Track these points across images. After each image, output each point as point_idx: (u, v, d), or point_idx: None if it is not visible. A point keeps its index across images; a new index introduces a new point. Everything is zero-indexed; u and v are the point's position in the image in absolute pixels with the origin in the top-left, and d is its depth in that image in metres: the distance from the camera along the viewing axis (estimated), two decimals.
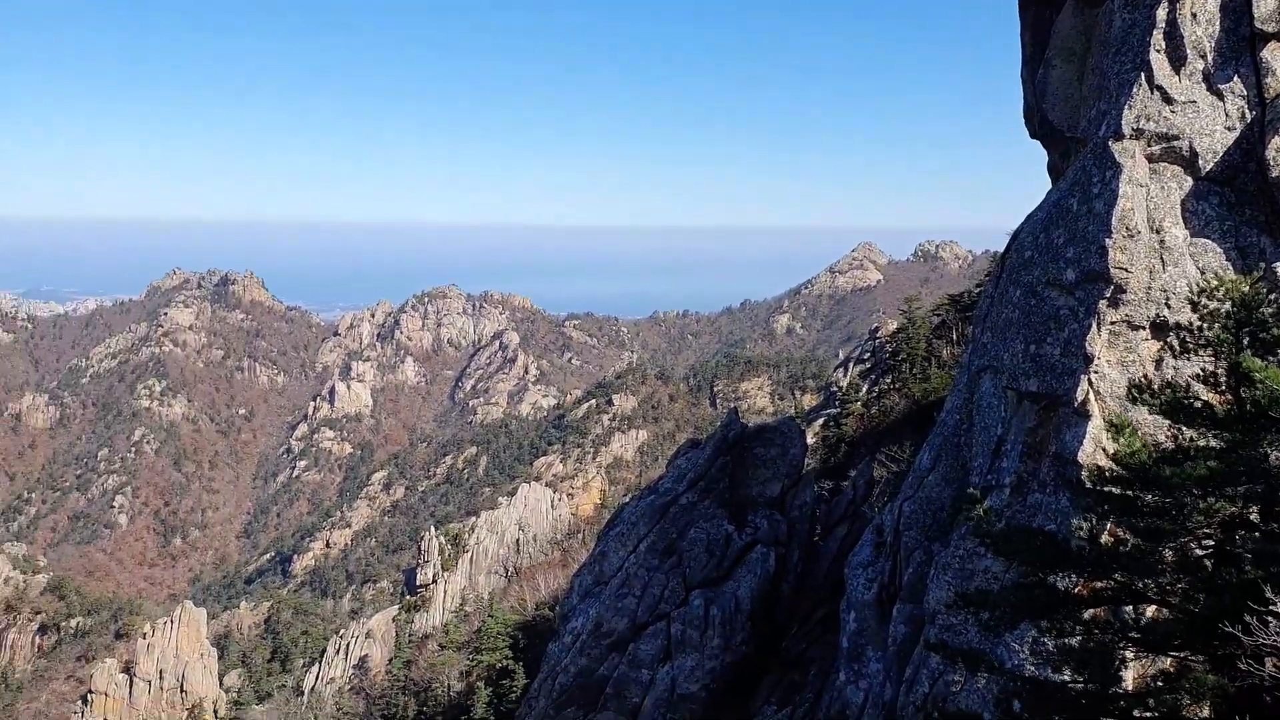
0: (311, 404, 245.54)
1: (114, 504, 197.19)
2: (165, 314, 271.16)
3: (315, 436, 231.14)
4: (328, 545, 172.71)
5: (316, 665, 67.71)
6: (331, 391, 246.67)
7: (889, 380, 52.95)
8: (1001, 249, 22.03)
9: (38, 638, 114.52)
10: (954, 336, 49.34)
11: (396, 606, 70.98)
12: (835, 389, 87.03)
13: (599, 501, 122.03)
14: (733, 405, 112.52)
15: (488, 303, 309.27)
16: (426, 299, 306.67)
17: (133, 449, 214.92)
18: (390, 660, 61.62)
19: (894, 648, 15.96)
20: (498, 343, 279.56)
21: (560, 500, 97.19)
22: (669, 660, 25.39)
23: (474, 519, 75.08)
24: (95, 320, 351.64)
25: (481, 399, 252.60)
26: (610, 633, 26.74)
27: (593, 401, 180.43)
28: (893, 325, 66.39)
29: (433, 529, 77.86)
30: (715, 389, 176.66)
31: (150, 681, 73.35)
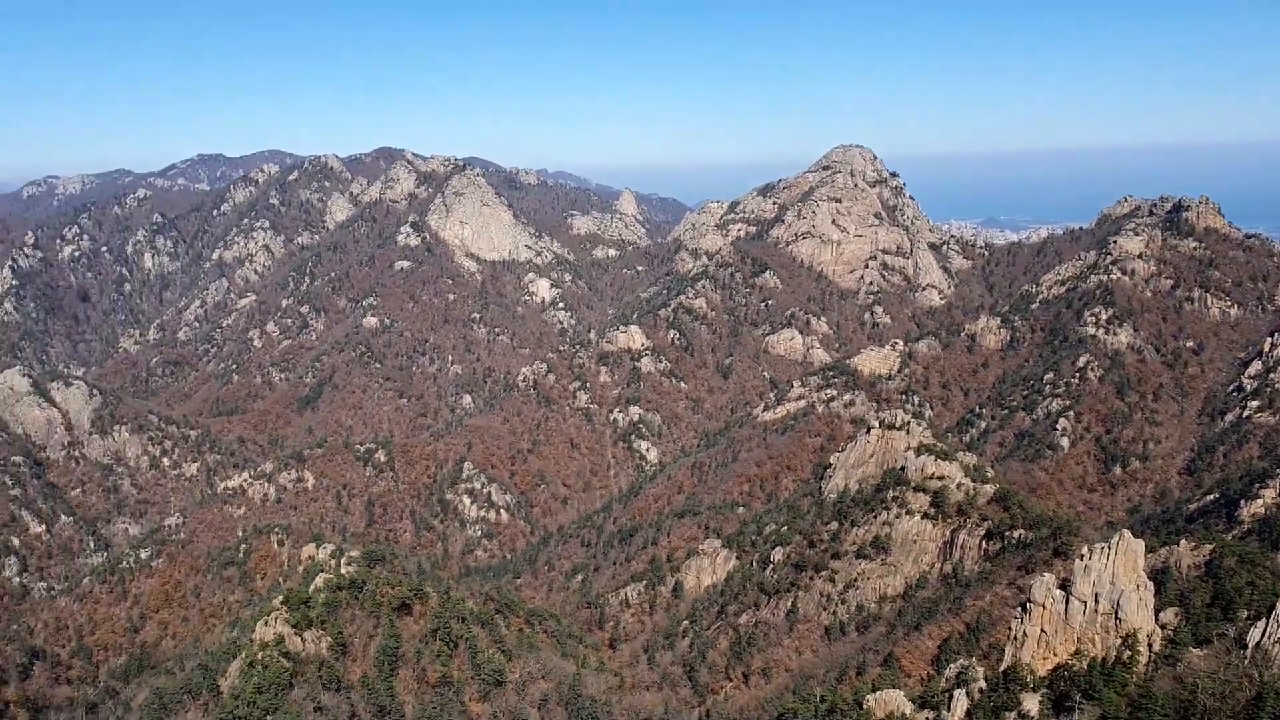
0: (1269, 340, 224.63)
1: (1056, 426, 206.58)
2: (1114, 242, 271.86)
3: (1271, 376, 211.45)
4: None
5: (1264, 621, 63.67)
6: None
7: None
8: None
9: (984, 542, 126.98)
10: None
11: None
12: None
13: None
14: None
15: None
16: None
17: (1077, 374, 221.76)
18: None
19: None
20: None
21: None
22: None
23: None
24: (1046, 248, 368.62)
25: None
26: None
27: None
28: None
29: None
30: None
31: (1085, 602, 76.49)
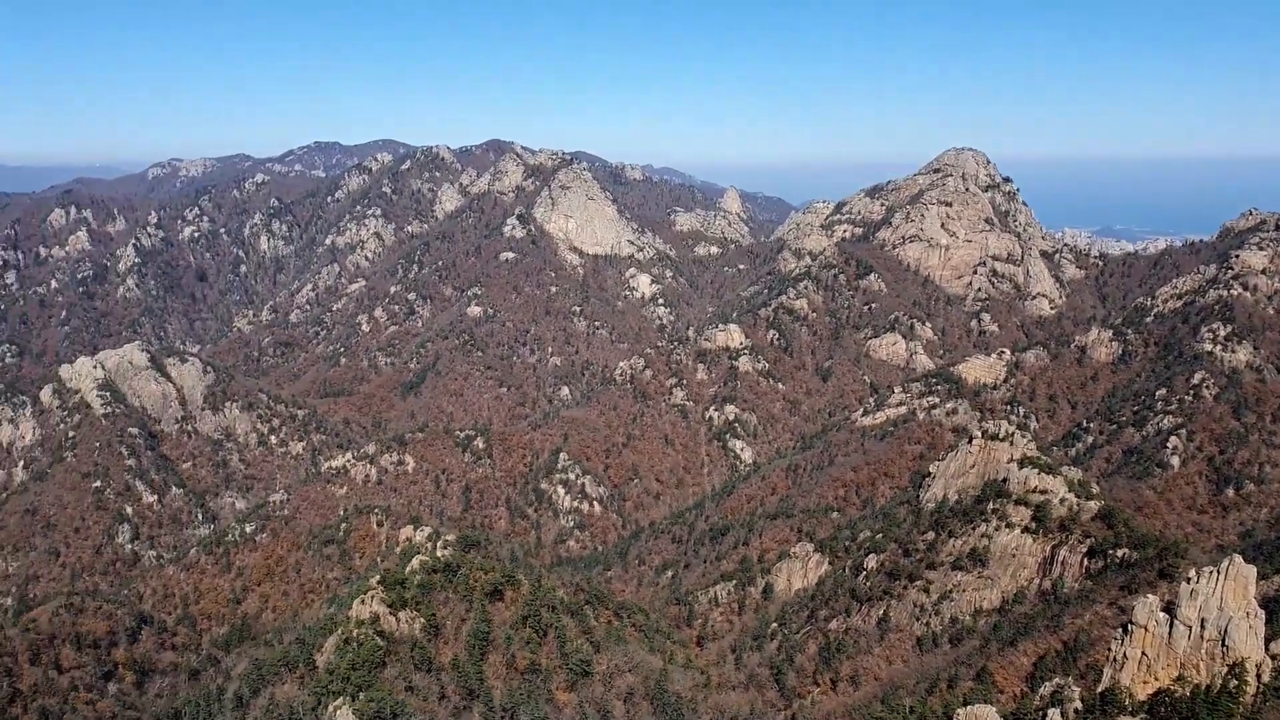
0: None
1: (1167, 444, 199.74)
2: (1236, 256, 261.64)
3: None
4: None
5: None
6: None
7: None
8: None
9: (1086, 560, 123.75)
10: None
11: None
12: None
13: None
14: None
15: None
16: None
17: (1190, 392, 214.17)
18: None
19: None
20: None
21: None
22: None
23: None
24: (1163, 260, 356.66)
25: None
26: None
27: None
28: None
29: None
30: None
31: (1190, 627, 74.32)
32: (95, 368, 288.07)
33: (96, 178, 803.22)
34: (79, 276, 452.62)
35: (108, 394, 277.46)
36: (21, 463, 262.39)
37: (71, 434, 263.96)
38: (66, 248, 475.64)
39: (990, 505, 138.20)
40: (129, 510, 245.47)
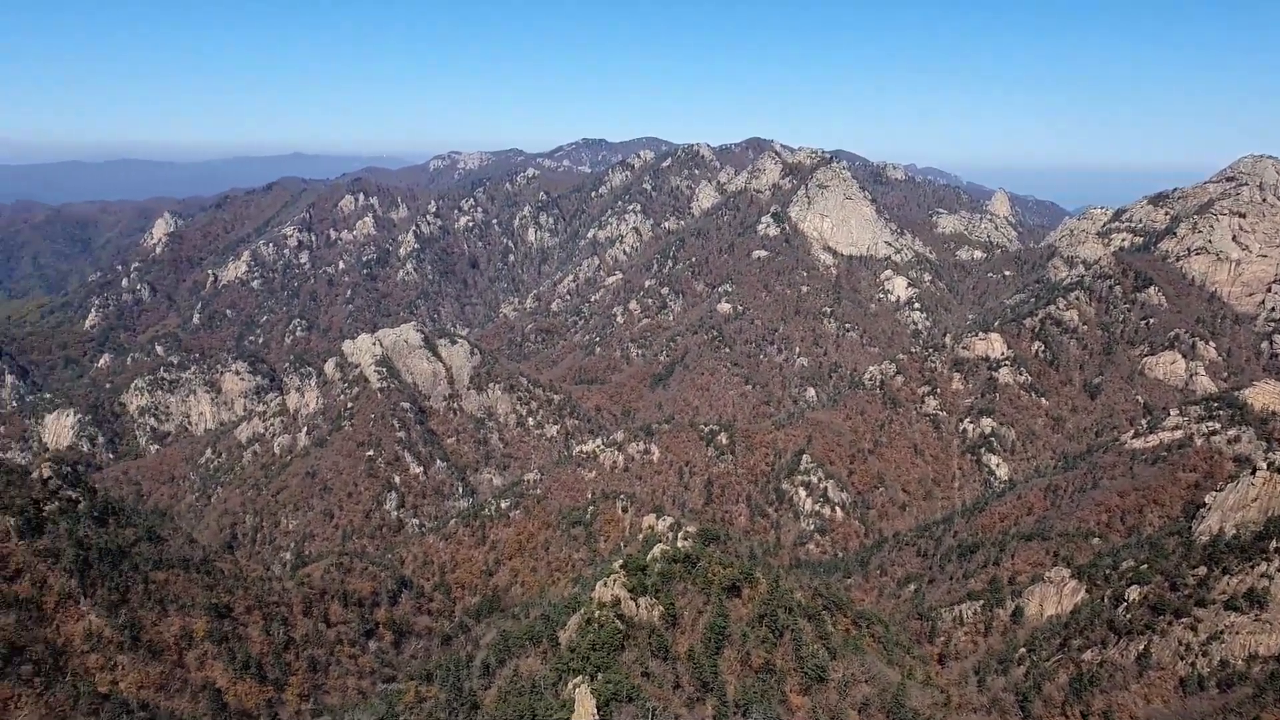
0: None
1: None
2: None
3: None
4: None
5: None
6: None
7: None
8: None
9: None
10: None
11: None
12: None
13: None
14: None
15: None
16: None
17: None
18: None
19: None
20: None
21: None
22: None
23: None
24: None
25: None
26: None
27: None
28: None
29: None
30: None
31: None
32: (374, 344, 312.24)
33: (383, 167, 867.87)
34: (364, 259, 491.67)
35: (384, 369, 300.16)
36: (305, 428, 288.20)
37: (350, 405, 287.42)
38: (354, 232, 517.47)
39: (1273, 543, 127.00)
40: (397, 479, 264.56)
